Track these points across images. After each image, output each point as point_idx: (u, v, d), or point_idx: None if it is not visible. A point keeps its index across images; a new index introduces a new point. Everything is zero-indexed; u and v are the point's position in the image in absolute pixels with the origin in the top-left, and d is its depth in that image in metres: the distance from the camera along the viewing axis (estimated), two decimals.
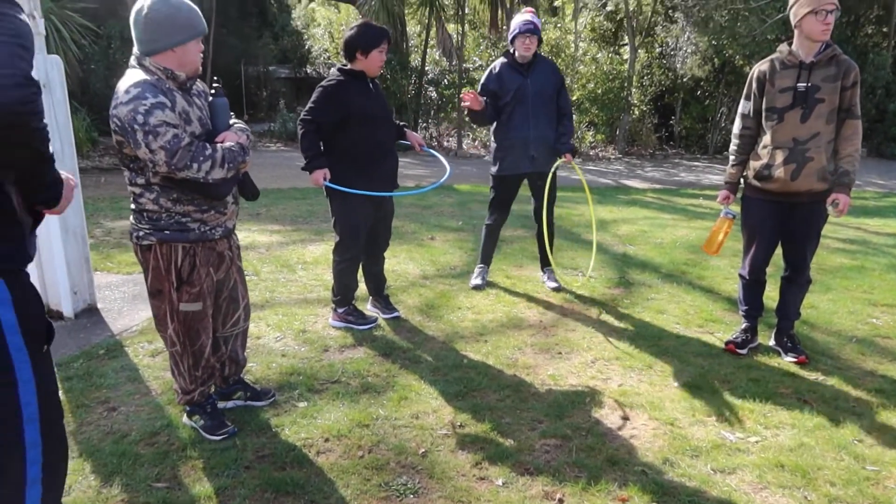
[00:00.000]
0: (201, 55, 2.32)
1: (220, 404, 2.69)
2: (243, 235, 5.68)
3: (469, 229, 6.34)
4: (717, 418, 2.72)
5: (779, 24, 12.34)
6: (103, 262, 4.83)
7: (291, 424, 2.62)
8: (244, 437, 2.52)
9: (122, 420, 2.64)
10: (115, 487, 2.20)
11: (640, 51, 15.06)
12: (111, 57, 12.27)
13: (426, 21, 14.67)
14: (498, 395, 2.91)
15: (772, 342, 3.48)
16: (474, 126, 13.90)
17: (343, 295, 3.64)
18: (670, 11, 15.03)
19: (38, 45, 3.47)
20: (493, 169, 4.28)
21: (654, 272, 4.93)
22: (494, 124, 4.23)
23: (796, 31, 3.05)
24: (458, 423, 2.66)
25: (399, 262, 5.00)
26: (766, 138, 3.14)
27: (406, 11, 15.27)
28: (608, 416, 2.74)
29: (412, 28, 16.38)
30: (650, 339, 3.56)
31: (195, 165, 2.17)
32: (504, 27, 17.22)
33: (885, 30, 15.60)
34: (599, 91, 14.71)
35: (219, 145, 2.26)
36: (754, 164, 3.20)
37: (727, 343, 3.43)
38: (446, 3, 16.22)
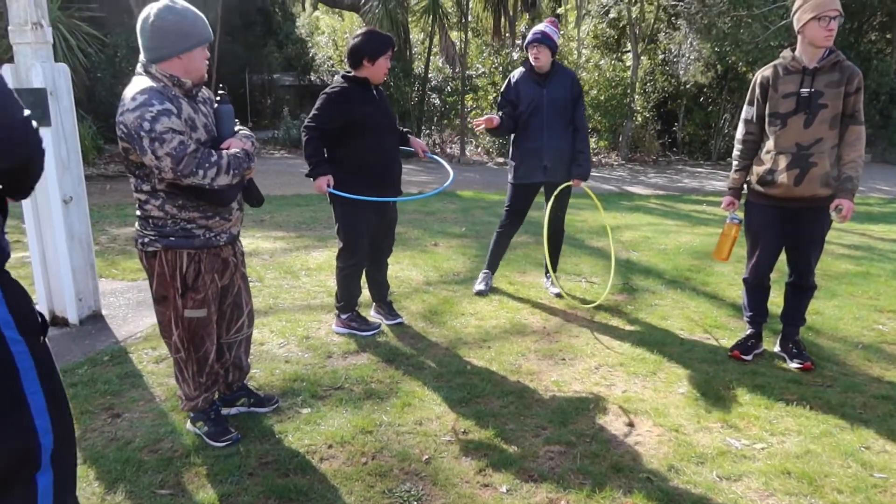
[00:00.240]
0: (207, 62, 2.33)
1: (224, 411, 2.69)
2: (247, 242, 5.69)
3: (472, 235, 6.34)
4: (722, 425, 2.71)
5: (782, 31, 12.35)
6: (108, 269, 4.84)
7: (295, 431, 2.61)
8: (248, 443, 2.52)
9: (126, 426, 2.64)
10: (119, 494, 2.20)
11: (642, 58, 15.08)
12: (117, 65, 12.35)
13: (429, 29, 14.73)
14: (501, 401, 2.90)
15: (777, 348, 3.46)
16: (478, 133, 13.94)
17: (346, 301, 3.64)
18: (673, 18, 15.06)
19: (45, 53, 3.50)
20: (510, 177, 4.31)
21: (657, 278, 4.92)
22: (514, 135, 4.27)
23: (799, 37, 3.05)
24: (462, 430, 2.65)
25: (402, 269, 5.01)
26: (770, 144, 3.14)
27: (410, 19, 15.32)
28: (612, 423, 2.73)
29: (415, 35, 16.44)
30: (654, 346, 3.55)
31: (201, 172, 2.18)
32: (507, 34, 17.28)
33: (888, 36, 15.61)
34: (602, 98, 14.74)
35: (224, 152, 2.27)
36: (757, 170, 3.20)
37: (732, 349, 3.42)
38: (449, 10, 16.30)
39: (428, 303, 4.24)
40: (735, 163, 3.35)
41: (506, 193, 4.44)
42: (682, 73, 14.44)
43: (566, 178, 4.14)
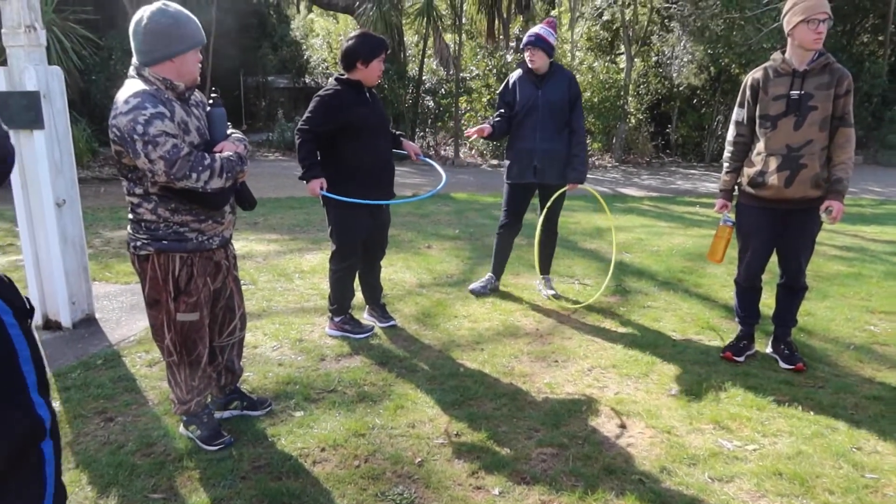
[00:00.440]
0: (200, 65, 2.34)
1: (217, 414, 2.69)
2: (241, 244, 5.69)
3: (466, 238, 6.35)
4: (714, 426, 2.72)
5: (774, 33, 12.42)
6: (102, 272, 4.83)
7: (288, 434, 2.61)
8: (240, 447, 2.52)
9: (118, 430, 2.64)
10: (112, 498, 2.19)
11: (636, 60, 15.13)
12: (112, 68, 12.30)
13: (423, 31, 14.76)
14: (494, 403, 2.91)
15: (769, 350, 3.48)
16: (470, 140, 13.95)
17: (340, 304, 3.64)
18: (666, 21, 15.13)
19: (38, 56, 3.50)
20: (505, 176, 4.34)
21: (650, 280, 4.94)
22: (510, 135, 4.29)
23: (789, 40, 3.08)
24: (455, 433, 2.65)
25: (396, 271, 5.01)
26: (760, 145, 3.17)
27: (404, 21, 15.35)
28: (605, 425, 2.74)
29: (410, 38, 16.47)
30: (647, 347, 3.56)
31: (194, 175, 2.18)
32: (501, 37, 17.32)
33: (880, 38, 15.70)
34: (596, 100, 14.76)
35: (217, 155, 2.27)
36: (748, 172, 3.22)
37: (724, 350, 3.44)
38: (444, 13, 16.32)
39: (421, 305, 4.24)
40: (726, 165, 3.37)
41: (501, 195, 4.47)
42: (675, 75, 14.50)
43: (559, 180, 4.14)
